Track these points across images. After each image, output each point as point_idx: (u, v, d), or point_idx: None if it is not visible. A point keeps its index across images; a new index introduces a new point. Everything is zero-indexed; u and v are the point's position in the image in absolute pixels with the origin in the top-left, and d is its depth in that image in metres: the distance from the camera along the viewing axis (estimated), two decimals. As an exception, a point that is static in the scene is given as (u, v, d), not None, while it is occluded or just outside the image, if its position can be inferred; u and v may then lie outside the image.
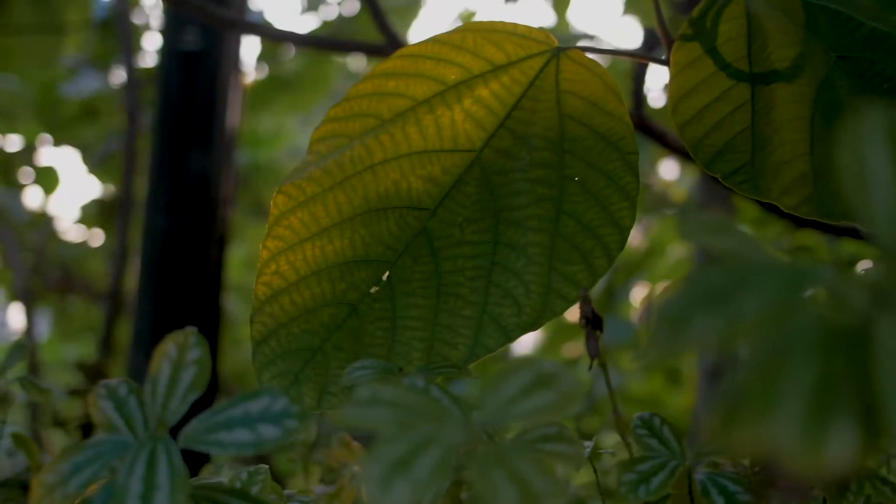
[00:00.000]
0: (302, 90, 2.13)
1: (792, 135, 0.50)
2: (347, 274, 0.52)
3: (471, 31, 0.56)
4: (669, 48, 0.59)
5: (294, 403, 0.36)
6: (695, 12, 0.56)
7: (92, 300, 2.23)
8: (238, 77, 1.42)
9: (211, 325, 1.30)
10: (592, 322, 0.43)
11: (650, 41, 0.76)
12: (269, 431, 0.36)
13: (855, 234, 0.60)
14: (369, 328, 0.52)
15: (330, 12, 2.36)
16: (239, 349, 2.14)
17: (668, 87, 0.54)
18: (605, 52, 0.57)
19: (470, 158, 0.54)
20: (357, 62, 2.76)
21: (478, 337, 0.51)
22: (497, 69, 0.55)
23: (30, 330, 1.75)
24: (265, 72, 2.25)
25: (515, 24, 0.56)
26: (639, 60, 0.73)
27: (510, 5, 2.48)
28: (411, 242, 0.53)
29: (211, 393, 1.28)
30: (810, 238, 2.06)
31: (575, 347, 2.36)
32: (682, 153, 0.85)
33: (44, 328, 2.50)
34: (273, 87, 2.13)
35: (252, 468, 0.48)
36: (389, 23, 0.84)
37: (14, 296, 2.26)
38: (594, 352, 0.42)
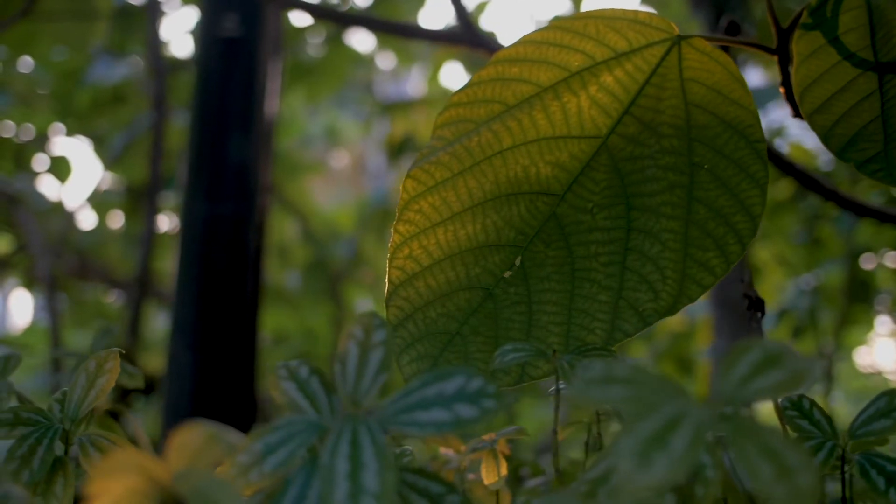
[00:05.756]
0: (322, 78, 2.13)
1: (926, 124, 0.51)
2: (481, 258, 0.53)
3: (592, 19, 0.56)
4: (780, 38, 0.59)
5: (490, 383, 0.37)
6: (813, 1, 0.56)
7: (108, 287, 2.22)
8: (276, 63, 1.41)
9: (252, 313, 1.30)
10: (755, 304, 0.44)
11: (731, 29, 0.76)
12: (466, 411, 0.36)
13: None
14: (506, 312, 0.52)
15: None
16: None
17: (793, 77, 0.55)
18: (723, 41, 0.57)
19: (597, 145, 0.54)
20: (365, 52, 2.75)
21: (615, 322, 0.51)
22: (620, 56, 0.56)
23: (53, 316, 1.74)
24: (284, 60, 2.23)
25: (636, 12, 0.56)
26: (742, 47, 0.73)
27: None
28: (542, 228, 0.53)
29: (249, 381, 1.28)
30: (823, 230, 2.08)
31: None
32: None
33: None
34: (293, 75, 2.13)
35: (398, 450, 0.49)
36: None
37: (28, 282, 2.25)
38: (758, 334, 0.43)
